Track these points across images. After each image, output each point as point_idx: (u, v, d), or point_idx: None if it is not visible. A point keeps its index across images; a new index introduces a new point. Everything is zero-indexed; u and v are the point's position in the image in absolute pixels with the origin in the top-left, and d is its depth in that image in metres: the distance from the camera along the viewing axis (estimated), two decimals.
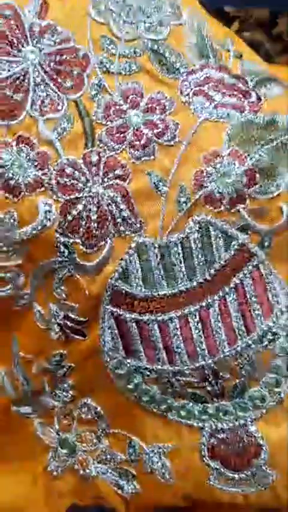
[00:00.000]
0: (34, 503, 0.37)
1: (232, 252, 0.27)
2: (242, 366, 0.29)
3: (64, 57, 0.25)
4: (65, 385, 0.32)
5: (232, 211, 0.27)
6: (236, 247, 0.27)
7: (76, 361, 0.31)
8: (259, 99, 0.26)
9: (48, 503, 0.37)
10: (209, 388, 0.30)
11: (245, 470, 0.31)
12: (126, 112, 0.26)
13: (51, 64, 0.25)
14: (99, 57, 0.25)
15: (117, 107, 0.26)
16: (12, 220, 0.26)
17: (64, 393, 0.32)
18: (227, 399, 0.31)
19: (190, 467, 0.32)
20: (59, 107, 0.25)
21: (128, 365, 0.30)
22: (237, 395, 0.30)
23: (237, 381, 0.30)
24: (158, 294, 0.28)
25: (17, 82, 0.25)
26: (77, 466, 0.34)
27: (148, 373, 0.30)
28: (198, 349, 0.29)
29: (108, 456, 0.34)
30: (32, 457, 0.35)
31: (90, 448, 0.34)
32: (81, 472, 0.34)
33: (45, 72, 0.25)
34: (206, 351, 0.29)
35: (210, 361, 0.29)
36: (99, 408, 0.32)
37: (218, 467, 0.31)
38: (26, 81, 0.25)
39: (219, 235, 0.27)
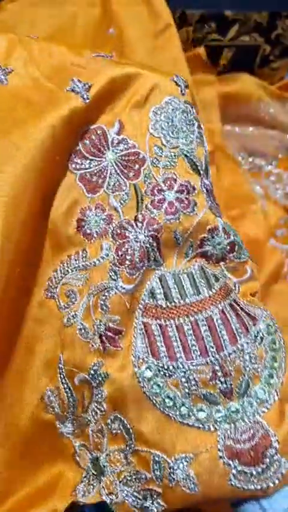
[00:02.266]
0: None
1: (221, 283, 0.41)
2: (244, 364, 0.37)
3: (130, 157, 0.44)
4: (100, 396, 0.38)
5: (216, 265, 0.42)
6: (221, 283, 0.41)
7: (111, 371, 0.38)
8: None
9: None
10: (219, 386, 0.37)
11: (261, 463, 0.34)
12: (164, 191, 0.44)
13: (122, 162, 0.44)
14: (151, 159, 0.44)
15: (159, 187, 0.44)
16: (83, 254, 0.41)
17: (98, 406, 0.38)
18: (235, 399, 0.37)
19: (212, 471, 0.34)
20: (123, 187, 0.43)
21: (153, 366, 0.38)
22: (243, 393, 0.37)
23: (241, 378, 0.37)
24: (175, 305, 0.40)
25: (100, 172, 0.44)
26: (103, 490, 0.35)
27: (169, 373, 0.37)
28: (207, 345, 0.38)
29: (134, 477, 0.36)
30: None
31: (117, 469, 0.36)
32: (105, 496, 0.35)
33: (118, 166, 0.44)
34: (214, 348, 0.38)
35: (217, 356, 0.38)
36: (126, 421, 0.37)
37: (236, 465, 0.34)
38: (105, 172, 0.44)
39: (210, 275, 0.41)
